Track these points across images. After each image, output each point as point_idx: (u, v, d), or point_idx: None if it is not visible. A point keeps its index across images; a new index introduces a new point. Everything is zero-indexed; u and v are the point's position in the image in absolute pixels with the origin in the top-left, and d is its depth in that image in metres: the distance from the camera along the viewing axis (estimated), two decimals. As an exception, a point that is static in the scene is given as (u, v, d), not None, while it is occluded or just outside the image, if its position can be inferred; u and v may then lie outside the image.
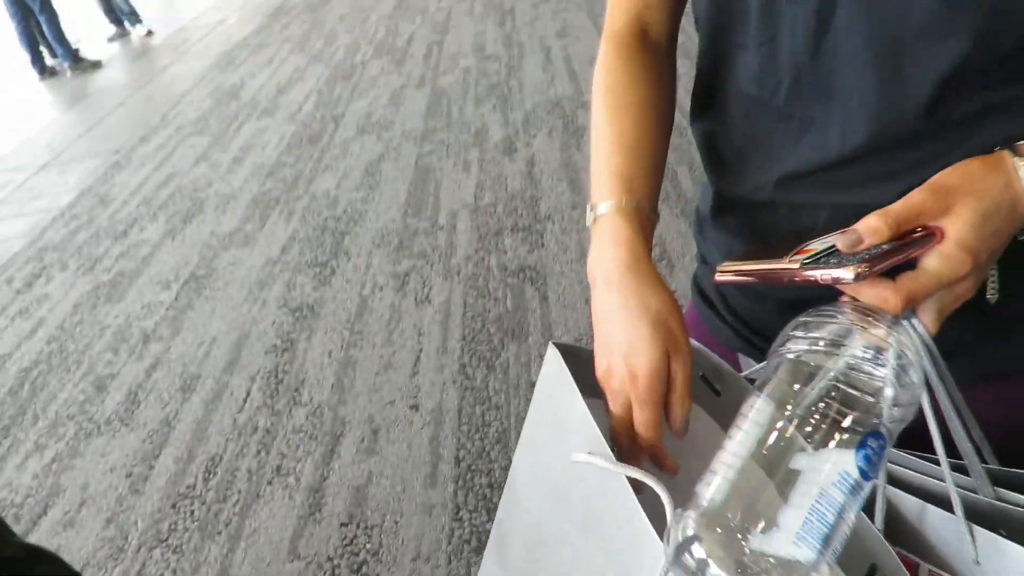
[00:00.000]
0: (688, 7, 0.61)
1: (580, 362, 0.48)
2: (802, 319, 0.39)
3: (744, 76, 0.51)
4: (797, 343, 0.37)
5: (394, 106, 3.76)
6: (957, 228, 0.37)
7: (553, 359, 0.48)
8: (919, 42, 0.41)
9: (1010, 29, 0.39)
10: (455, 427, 1.75)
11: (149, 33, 6.81)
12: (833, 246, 0.39)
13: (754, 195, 0.54)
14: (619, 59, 0.59)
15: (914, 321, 0.38)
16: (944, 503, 0.41)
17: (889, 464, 0.45)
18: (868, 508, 0.43)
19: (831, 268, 0.37)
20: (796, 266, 0.40)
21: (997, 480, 0.42)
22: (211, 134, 3.96)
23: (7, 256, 3.10)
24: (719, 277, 0.46)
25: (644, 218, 0.51)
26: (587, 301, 1.79)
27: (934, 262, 0.37)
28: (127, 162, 3.84)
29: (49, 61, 6.18)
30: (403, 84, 4.04)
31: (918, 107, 0.42)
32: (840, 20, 0.43)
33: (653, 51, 0.60)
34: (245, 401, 1.99)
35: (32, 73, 6.09)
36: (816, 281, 0.38)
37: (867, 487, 0.34)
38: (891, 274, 0.37)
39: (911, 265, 0.38)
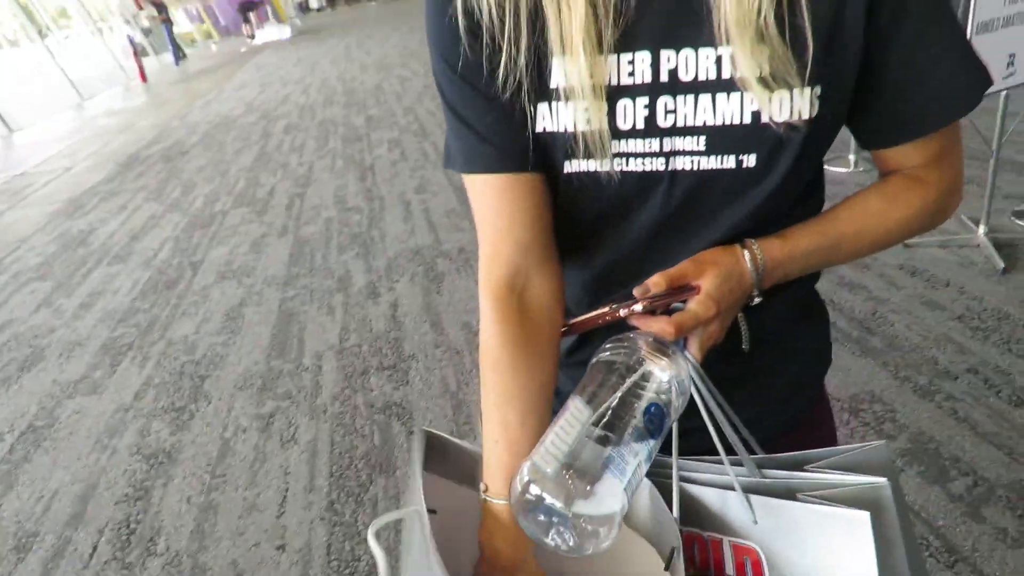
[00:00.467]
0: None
1: (449, 451, 0.63)
2: (608, 341, 0.57)
3: (602, 271, 0.70)
4: (605, 354, 0.55)
5: (256, 253, 3.84)
6: (707, 284, 0.58)
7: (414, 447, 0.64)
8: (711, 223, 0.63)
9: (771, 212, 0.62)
10: (324, 564, 1.75)
11: (-17, 178, 6.51)
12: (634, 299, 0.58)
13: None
14: (502, 334, 0.63)
15: (686, 351, 0.57)
16: (734, 489, 0.59)
17: (693, 472, 0.62)
18: (669, 505, 0.60)
19: (629, 305, 0.56)
20: (606, 309, 0.58)
21: (762, 464, 0.60)
22: (55, 280, 3.81)
23: None
24: (562, 334, 0.64)
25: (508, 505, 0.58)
26: (451, 433, 1.90)
27: (693, 305, 0.57)
28: (-46, 309, 3.58)
29: None
30: (264, 233, 4.15)
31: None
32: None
33: (535, 318, 0.64)
34: (91, 556, 1.87)
35: None
36: (620, 315, 0.57)
37: (652, 443, 0.51)
38: (669, 314, 0.57)
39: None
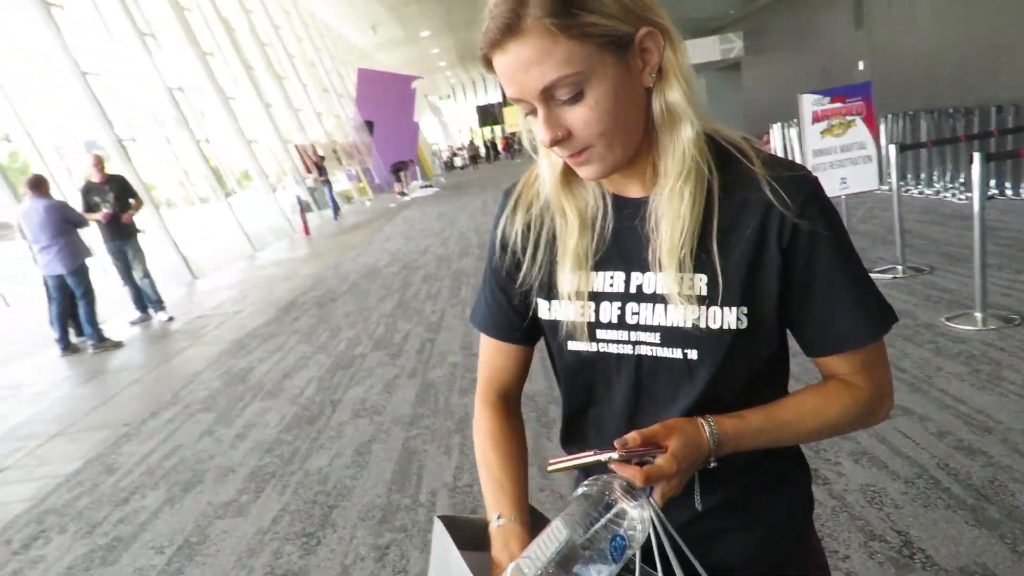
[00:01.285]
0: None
1: (461, 527, 0.83)
2: (587, 479, 0.76)
3: (595, 423, 0.92)
4: (583, 489, 0.74)
5: (387, 394, 4.22)
6: (673, 446, 0.76)
7: (439, 531, 0.84)
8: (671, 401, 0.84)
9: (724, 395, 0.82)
10: None
11: (170, 319, 7.56)
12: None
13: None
14: (493, 420, 0.97)
15: (651, 497, 0.75)
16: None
17: None
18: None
19: (609, 452, 0.75)
20: (590, 453, 0.77)
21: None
22: (217, 412, 4.36)
23: (8, 518, 3.28)
24: (551, 469, 0.81)
25: (516, 522, 0.86)
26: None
27: (660, 461, 0.75)
28: (136, 433, 4.17)
29: (74, 339, 6.79)
30: (396, 375, 4.55)
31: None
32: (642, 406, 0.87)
33: (511, 406, 1.00)
34: (224, 664, 2.10)
35: (55, 348, 6.67)
36: (601, 460, 0.75)
37: (614, 567, 0.68)
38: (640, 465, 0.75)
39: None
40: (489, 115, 50.15)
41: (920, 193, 8.39)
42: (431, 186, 24.14)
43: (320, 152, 19.33)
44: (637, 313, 0.83)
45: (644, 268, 0.83)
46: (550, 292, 0.89)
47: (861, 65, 10.47)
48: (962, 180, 7.77)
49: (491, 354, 1.00)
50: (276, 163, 17.78)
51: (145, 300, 7.59)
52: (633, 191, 0.85)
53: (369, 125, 24.87)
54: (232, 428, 4.04)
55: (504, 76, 0.75)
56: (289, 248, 13.05)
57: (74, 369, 6.21)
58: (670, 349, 0.82)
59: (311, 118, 21.72)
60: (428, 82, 39.20)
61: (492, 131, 51.33)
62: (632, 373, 0.85)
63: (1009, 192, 7.27)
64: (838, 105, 4.36)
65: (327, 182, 17.91)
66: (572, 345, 0.87)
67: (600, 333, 0.85)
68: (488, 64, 0.76)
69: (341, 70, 28.16)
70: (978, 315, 3.88)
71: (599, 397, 0.90)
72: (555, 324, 0.89)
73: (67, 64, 9.35)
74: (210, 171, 13.12)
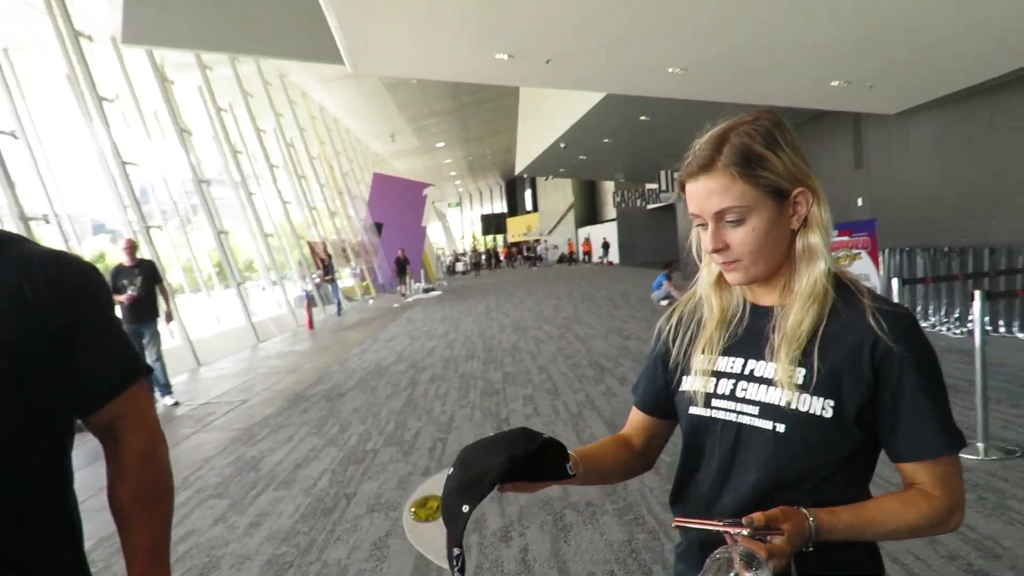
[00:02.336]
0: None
1: None
2: (719, 548, 0.89)
3: (695, 486, 1.11)
4: (717, 554, 0.87)
5: (402, 490, 4.25)
6: (788, 530, 0.91)
7: None
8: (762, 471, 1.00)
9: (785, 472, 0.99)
10: None
11: (176, 404, 7.59)
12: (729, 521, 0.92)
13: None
14: (616, 439, 1.26)
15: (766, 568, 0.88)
16: None
17: None
18: None
19: (738, 525, 0.90)
20: (720, 523, 0.92)
21: None
22: (230, 498, 4.37)
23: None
24: (675, 524, 1.00)
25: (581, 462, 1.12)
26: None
27: (778, 541, 0.90)
28: (147, 516, 4.16)
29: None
30: (410, 472, 4.59)
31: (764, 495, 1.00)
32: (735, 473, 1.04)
33: (633, 441, 1.26)
34: None
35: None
36: (727, 531, 0.91)
37: None
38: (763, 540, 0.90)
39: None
40: (493, 224, 51.56)
41: (917, 326, 8.66)
42: (434, 289, 24.56)
43: (329, 251, 19.84)
44: (746, 390, 1.05)
45: (760, 357, 1.06)
46: (686, 370, 1.14)
47: (860, 201, 11.03)
48: (957, 316, 8.05)
49: (634, 419, 1.27)
50: (286, 257, 18.22)
51: (153, 383, 7.64)
52: (766, 300, 1.10)
53: (378, 226, 25.61)
54: (246, 516, 4.05)
55: (691, 197, 1.04)
56: (293, 341, 13.18)
57: (81, 447, 6.18)
58: (764, 420, 1.02)
59: (324, 216, 22.41)
60: (437, 189, 40.62)
61: (495, 239, 52.63)
62: (732, 437, 1.05)
63: (1003, 329, 7.53)
64: (845, 239, 4.66)
65: (333, 280, 18.29)
66: (692, 410, 1.10)
67: (715, 402, 1.08)
68: (681, 187, 1.07)
69: (357, 173, 29.30)
70: (980, 445, 4.00)
71: (703, 459, 1.10)
72: (683, 394, 1.13)
73: (110, 154, 9.84)
74: (225, 260, 13.44)
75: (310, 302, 15.75)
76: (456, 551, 0.96)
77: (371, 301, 21.95)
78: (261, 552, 3.52)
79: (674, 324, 1.19)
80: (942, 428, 0.98)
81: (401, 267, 21.91)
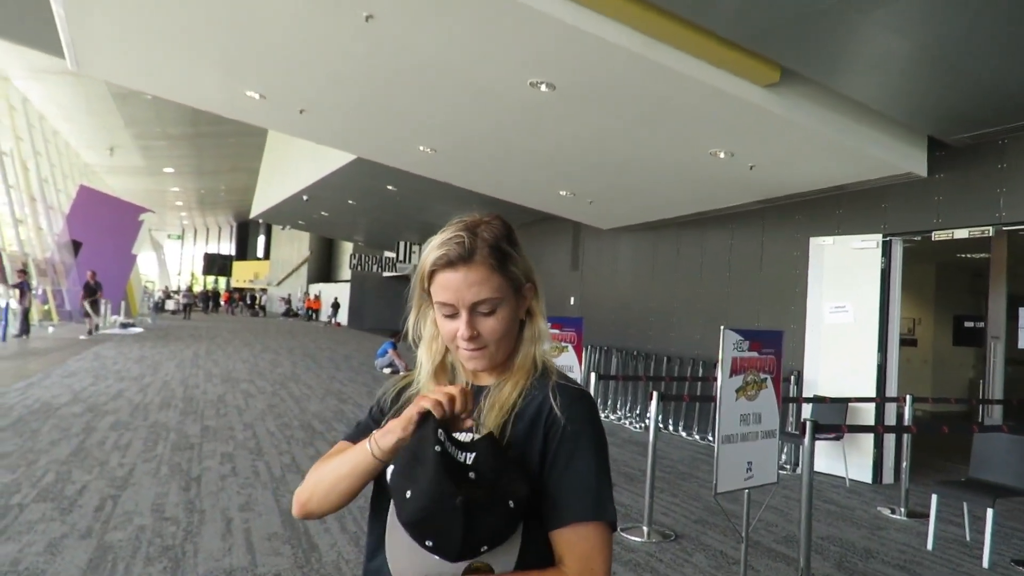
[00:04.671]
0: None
1: None
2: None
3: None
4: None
5: (50, 555, 3.59)
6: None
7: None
8: None
9: None
10: None
11: None
12: None
13: None
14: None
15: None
16: None
17: None
18: None
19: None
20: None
21: None
22: None
23: None
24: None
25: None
26: None
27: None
28: None
29: None
30: (65, 533, 3.91)
31: None
32: None
33: None
34: None
35: None
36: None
37: None
38: None
39: None
40: (217, 264, 47.94)
41: (606, 418, 9.73)
42: (134, 325, 21.85)
43: (20, 265, 16.78)
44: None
45: (470, 431, 1.08)
46: None
47: (573, 300, 12.28)
48: (638, 412, 9.22)
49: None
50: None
51: None
52: (486, 380, 1.16)
53: (76, 245, 22.32)
54: None
55: (448, 286, 1.07)
56: (-68, 364, 10.72)
57: None
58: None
59: (6, 223, 18.98)
60: (157, 217, 36.87)
61: (216, 281, 48.86)
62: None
63: (671, 427, 8.77)
64: (556, 331, 5.14)
65: (24, 295, 15.50)
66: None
67: None
68: (430, 276, 1.10)
69: (59, 181, 25.45)
70: (645, 528, 4.55)
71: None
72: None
73: None
74: None
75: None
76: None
77: (51, 329, 18.77)
78: None
79: (394, 395, 1.22)
80: (592, 496, 1.03)
81: (90, 292, 18.14)
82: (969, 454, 4.84)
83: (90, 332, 17.78)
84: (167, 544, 3.85)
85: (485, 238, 1.08)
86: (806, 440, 3.69)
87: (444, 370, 1.18)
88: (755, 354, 3.42)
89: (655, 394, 4.57)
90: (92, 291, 18.15)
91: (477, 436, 1.06)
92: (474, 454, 1.01)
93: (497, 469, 0.99)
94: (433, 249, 1.08)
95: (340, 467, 1.10)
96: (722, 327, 3.31)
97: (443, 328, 1.11)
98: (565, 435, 1.06)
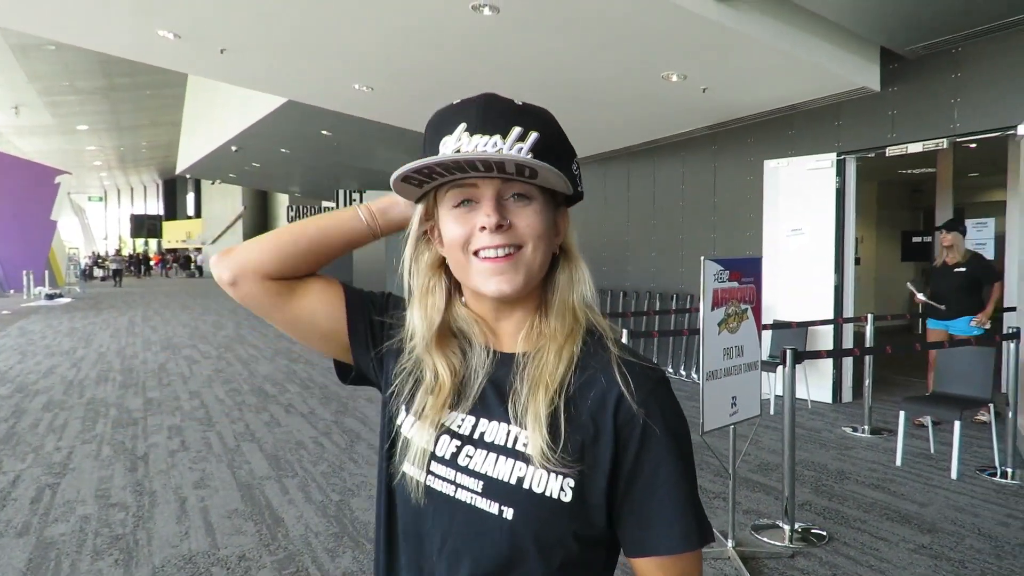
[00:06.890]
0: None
1: None
2: None
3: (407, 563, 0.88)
4: None
5: (-18, 559, 3.25)
6: None
7: None
8: None
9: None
10: None
11: None
12: None
13: None
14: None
15: None
16: None
17: None
18: None
19: None
20: None
21: None
22: None
23: None
24: None
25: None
26: None
27: None
28: None
29: None
30: (-1, 532, 3.56)
31: None
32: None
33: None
34: None
35: None
36: None
37: None
38: None
39: None
40: (146, 226, 45.81)
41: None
42: (60, 295, 20.71)
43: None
44: (470, 456, 0.81)
45: (492, 417, 0.82)
46: (408, 405, 0.87)
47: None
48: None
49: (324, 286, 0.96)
50: None
51: None
52: (508, 346, 0.86)
53: (-14, 214, 20.82)
54: None
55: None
56: None
57: None
58: (488, 501, 0.79)
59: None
60: (75, 179, 34.73)
61: (147, 243, 46.83)
62: (447, 517, 0.82)
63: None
64: (734, 284, 4.85)
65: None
66: (404, 468, 0.85)
67: (433, 466, 0.83)
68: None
69: (-41, 146, 23.54)
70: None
71: (415, 538, 0.86)
72: (401, 441, 0.86)
73: None
74: None
75: None
76: None
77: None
78: None
79: (396, 349, 0.90)
80: (685, 518, 0.78)
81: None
82: (913, 368, 4.87)
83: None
84: (116, 533, 3.54)
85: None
86: (787, 369, 3.59)
87: (446, 336, 0.86)
88: (735, 284, 3.25)
89: (624, 332, 4.40)
90: None
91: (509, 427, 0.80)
92: None
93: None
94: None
95: (316, 218, 0.91)
96: (702, 258, 3.11)
97: (452, 234, 0.81)
98: (648, 438, 0.78)
